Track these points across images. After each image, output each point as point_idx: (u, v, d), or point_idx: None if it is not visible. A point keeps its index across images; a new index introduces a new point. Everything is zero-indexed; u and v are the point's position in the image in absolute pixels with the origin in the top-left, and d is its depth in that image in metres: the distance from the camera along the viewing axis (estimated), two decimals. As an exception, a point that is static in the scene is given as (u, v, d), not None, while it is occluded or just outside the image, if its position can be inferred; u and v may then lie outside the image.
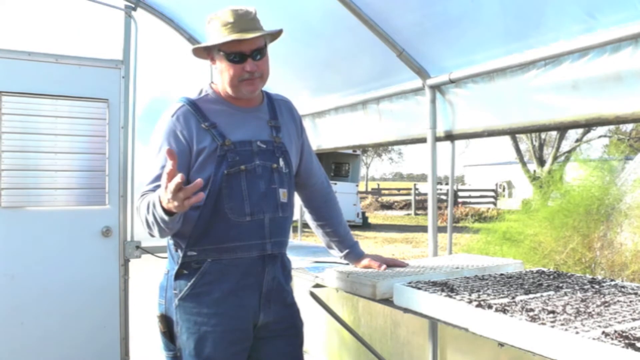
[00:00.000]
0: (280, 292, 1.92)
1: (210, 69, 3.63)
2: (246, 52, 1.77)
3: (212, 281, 1.80)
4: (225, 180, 1.79)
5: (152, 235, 1.75)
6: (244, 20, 1.77)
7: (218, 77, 1.86)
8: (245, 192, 1.81)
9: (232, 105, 1.89)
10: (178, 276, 1.81)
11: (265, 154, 1.87)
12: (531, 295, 1.63)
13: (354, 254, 2.19)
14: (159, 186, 1.64)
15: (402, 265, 2.19)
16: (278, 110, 1.99)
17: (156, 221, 1.65)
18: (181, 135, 1.79)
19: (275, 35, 1.88)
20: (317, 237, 2.24)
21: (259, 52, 1.79)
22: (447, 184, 21.51)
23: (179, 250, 1.82)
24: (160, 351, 1.89)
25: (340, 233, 2.17)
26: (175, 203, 1.52)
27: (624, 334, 1.22)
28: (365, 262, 2.17)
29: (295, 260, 2.66)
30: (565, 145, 21.56)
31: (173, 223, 1.65)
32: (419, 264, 2.22)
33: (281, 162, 1.90)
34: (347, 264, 2.25)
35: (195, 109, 1.83)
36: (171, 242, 1.86)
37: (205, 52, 1.87)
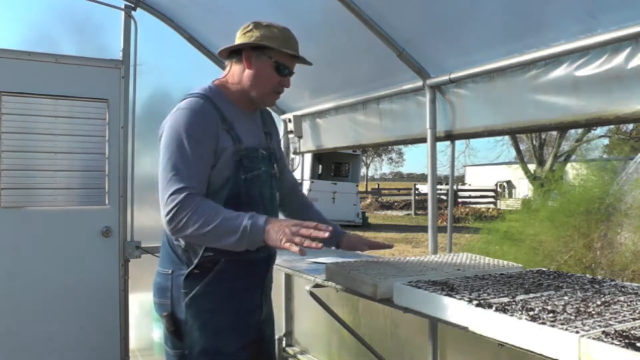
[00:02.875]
0: (270, 288, 2.09)
1: (209, 69, 3.64)
2: (291, 69, 1.92)
3: (225, 279, 1.85)
4: (244, 186, 1.85)
5: (199, 240, 1.73)
6: (296, 42, 1.94)
7: (250, 77, 1.88)
8: (259, 197, 1.89)
9: (238, 108, 1.93)
10: (189, 276, 1.83)
11: (265, 160, 1.96)
12: (531, 295, 1.63)
13: (336, 232, 2.18)
14: (194, 185, 1.70)
15: (387, 246, 2.20)
16: (266, 118, 2.10)
17: (242, 238, 1.64)
18: (209, 130, 1.79)
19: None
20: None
21: (293, 73, 1.95)
22: (447, 184, 21.52)
23: (190, 252, 1.84)
24: (166, 349, 1.91)
25: (318, 219, 2.20)
26: (297, 240, 1.57)
27: (624, 334, 1.22)
28: (349, 241, 2.18)
29: (294, 261, 2.67)
30: (566, 145, 21.55)
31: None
32: (419, 260, 2.23)
33: (275, 168, 2.02)
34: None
35: (214, 106, 1.85)
36: (177, 244, 1.86)
37: (236, 52, 1.89)
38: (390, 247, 2.22)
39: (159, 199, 1.73)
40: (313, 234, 1.57)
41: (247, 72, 1.88)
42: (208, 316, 1.83)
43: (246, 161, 1.86)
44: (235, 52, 1.91)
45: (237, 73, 1.91)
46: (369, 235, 14.83)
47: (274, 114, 3.98)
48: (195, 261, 1.82)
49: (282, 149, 2.26)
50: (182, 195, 1.68)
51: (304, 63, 1.95)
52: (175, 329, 1.85)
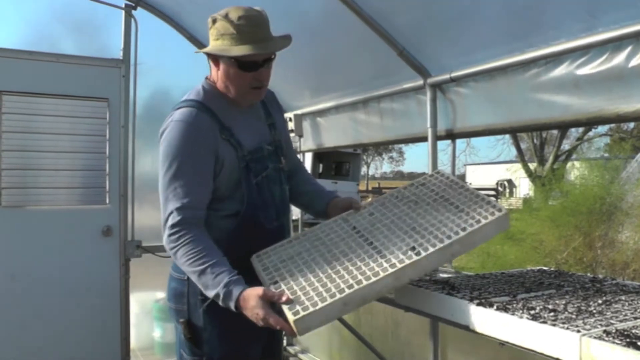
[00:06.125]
0: None
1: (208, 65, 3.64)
2: (259, 61, 1.73)
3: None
4: (255, 190, 1.79)
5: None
6: (258, 27, 1.72)
7: (222, 78, 1.78)
8: (271, 198, 1.84)
9: (233, 104, 1.83)
10: None
11: (272, 156, 1.87)
12: (532, 294, 1.63)
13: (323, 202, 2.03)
14: (193, 204, 1.66)
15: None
16: (269, 105, 1.96)
17: (211, 288, 1.61)
18: (207, 144, 1.72)
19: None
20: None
21: (270, 61, 1.76)
22: (448, 183, 21.38)
23: None
24: (182, 355, 1.86)
25: (320, 188, 2.08)
26: (260, 315, 1.53)
27: (625, 333, 1.22)
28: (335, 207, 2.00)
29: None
30: (566, 144, 21.52)
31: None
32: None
33: (283, 161, 1.91)
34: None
35: (211, 114, 1.75)
36: None
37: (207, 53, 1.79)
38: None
39: (161, 212, 1.69)
40: (278, 327, 1.54)
41: (218, 73, 1.78)
42: (227, 323, 1.74)
43: (253, 164, 1.79)
44: None
45: (213, 73, 1.82)
46: (369, 234, 14.80)
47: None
48: None
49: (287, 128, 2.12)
50: (180, 217, 1.65)
51: (268, 52, 1.74)
52: (192, 336, 1.79)
